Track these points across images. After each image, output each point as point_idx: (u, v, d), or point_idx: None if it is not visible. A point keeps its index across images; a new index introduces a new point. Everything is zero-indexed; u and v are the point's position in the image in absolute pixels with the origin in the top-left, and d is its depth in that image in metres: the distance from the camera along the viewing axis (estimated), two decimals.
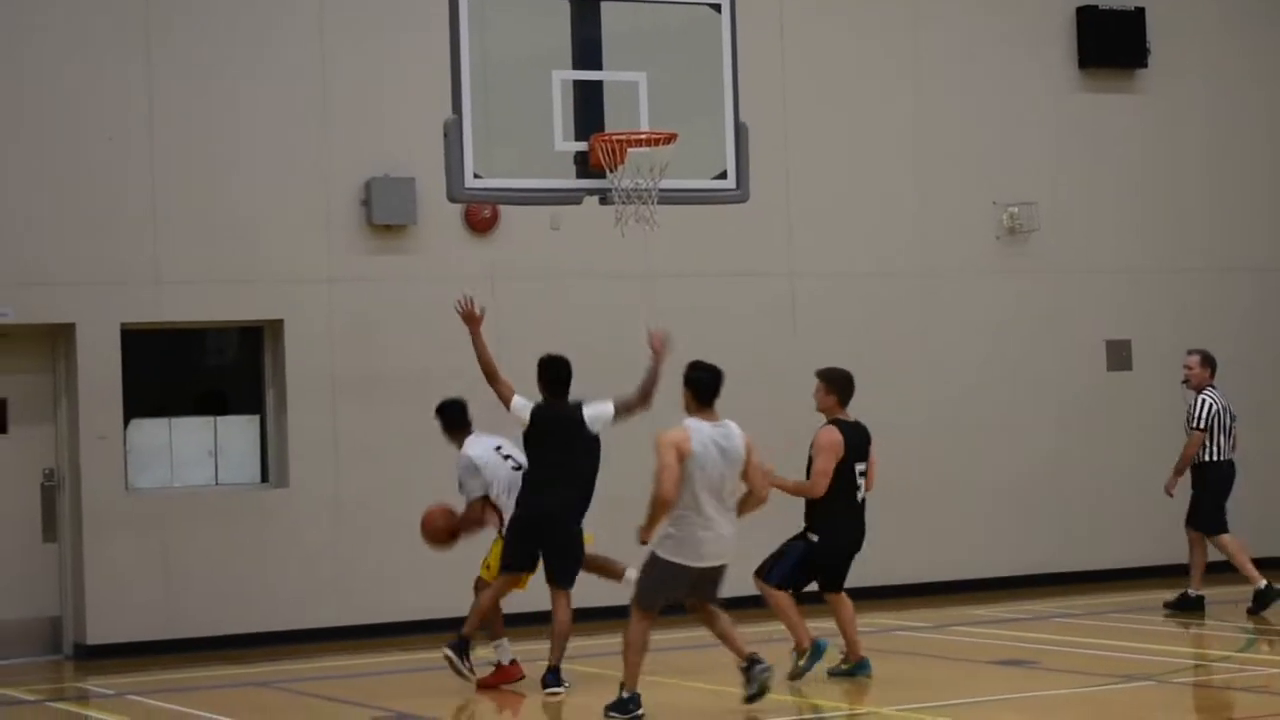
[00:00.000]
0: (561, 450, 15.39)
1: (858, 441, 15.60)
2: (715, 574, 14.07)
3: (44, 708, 16.49)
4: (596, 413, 15.51)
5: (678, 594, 14.11)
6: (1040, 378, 21.96)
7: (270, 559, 19.41)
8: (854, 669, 15.73)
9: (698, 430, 13.86)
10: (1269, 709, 13.78)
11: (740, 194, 16.01)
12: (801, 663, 15.54)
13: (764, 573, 15.54)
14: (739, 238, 20.76)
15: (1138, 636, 18.14)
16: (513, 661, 15.89)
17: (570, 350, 20.23)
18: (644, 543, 14.06)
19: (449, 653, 15.64)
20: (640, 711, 13.91)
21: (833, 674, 15.63)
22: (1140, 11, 22.81)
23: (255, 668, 17.90)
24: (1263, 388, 23.41)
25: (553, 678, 15.25)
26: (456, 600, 19.45)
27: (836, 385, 15.69)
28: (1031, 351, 22.05)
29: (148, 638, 18.96)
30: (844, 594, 15.78)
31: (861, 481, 15.59)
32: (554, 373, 15.69)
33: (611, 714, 13.96)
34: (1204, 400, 19.42)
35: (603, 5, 15.59)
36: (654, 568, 14.01)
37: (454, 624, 19.34)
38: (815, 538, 15.49)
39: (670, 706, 14.48)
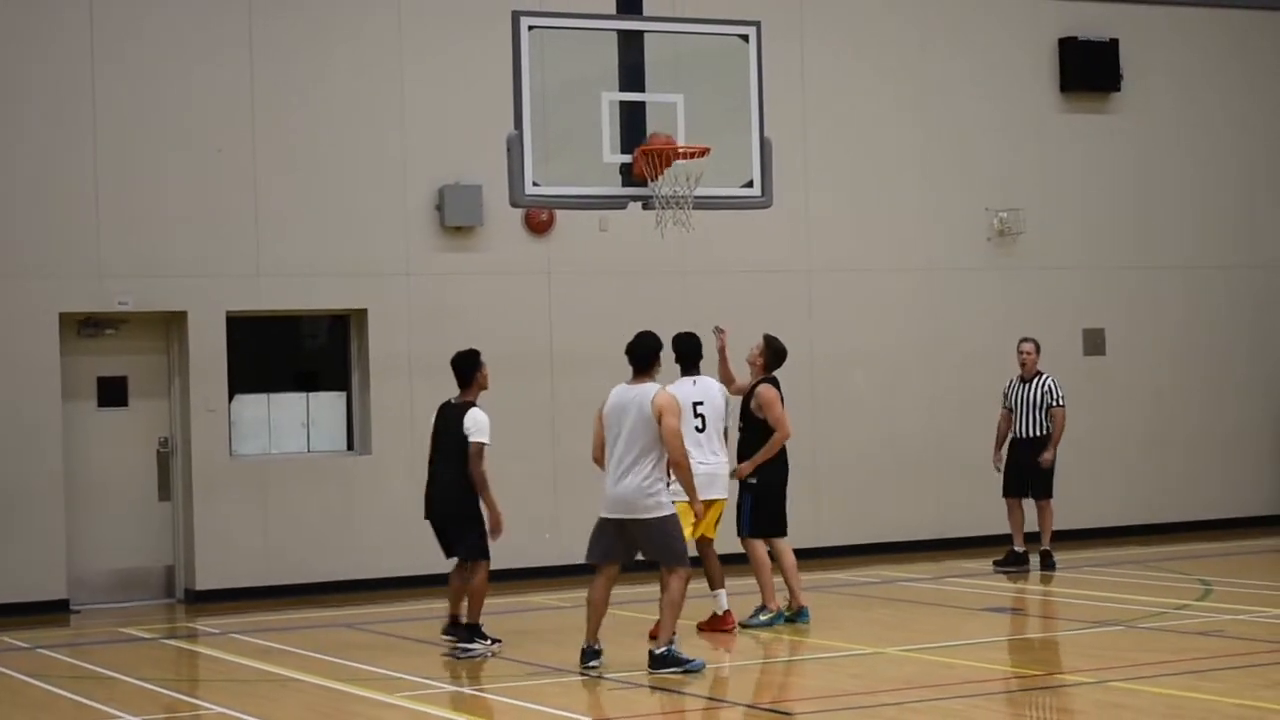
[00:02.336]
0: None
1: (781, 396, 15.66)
2: (630, 528, 13.55)
3: (159, 644, 16.55)
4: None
5: (612, 546, 13.60)
6: None
7: (355, 516, 19.46)
8: (795, 616, 15.61)
9: (614, 394, 13.76)
10: (1224, 650, 13.74)
11: (764, 200, 16.00)
12: (763, 617, 15.44)
13: (739, 532, 15.45)
14: (763, 239, 20.74)
15: (1107, 587, 18.11)
16: (726, 611, 15.39)
17: (615, 335, 20.32)
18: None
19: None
20: (594, 663, 13.54)
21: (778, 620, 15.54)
22: (1114, 43, 22.74)
23: (342, 610, 17.96)
24: (1222, 369, 23.39)
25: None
26: (518, 552, 19.65)
27: (770, 350, 15.75)
28: (1018, 338, 21.99)
29: (249, 584, 19.01)
30: (787, 543, 15.63)
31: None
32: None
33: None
34: (1053, 380, 19.39)
35: (645, 35, 15.60)
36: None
37: (513, 574, 19.47)
38: (754, 480, 15.40)
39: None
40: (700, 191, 15.32)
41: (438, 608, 17.54)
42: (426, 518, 15.03)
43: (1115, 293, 22.86)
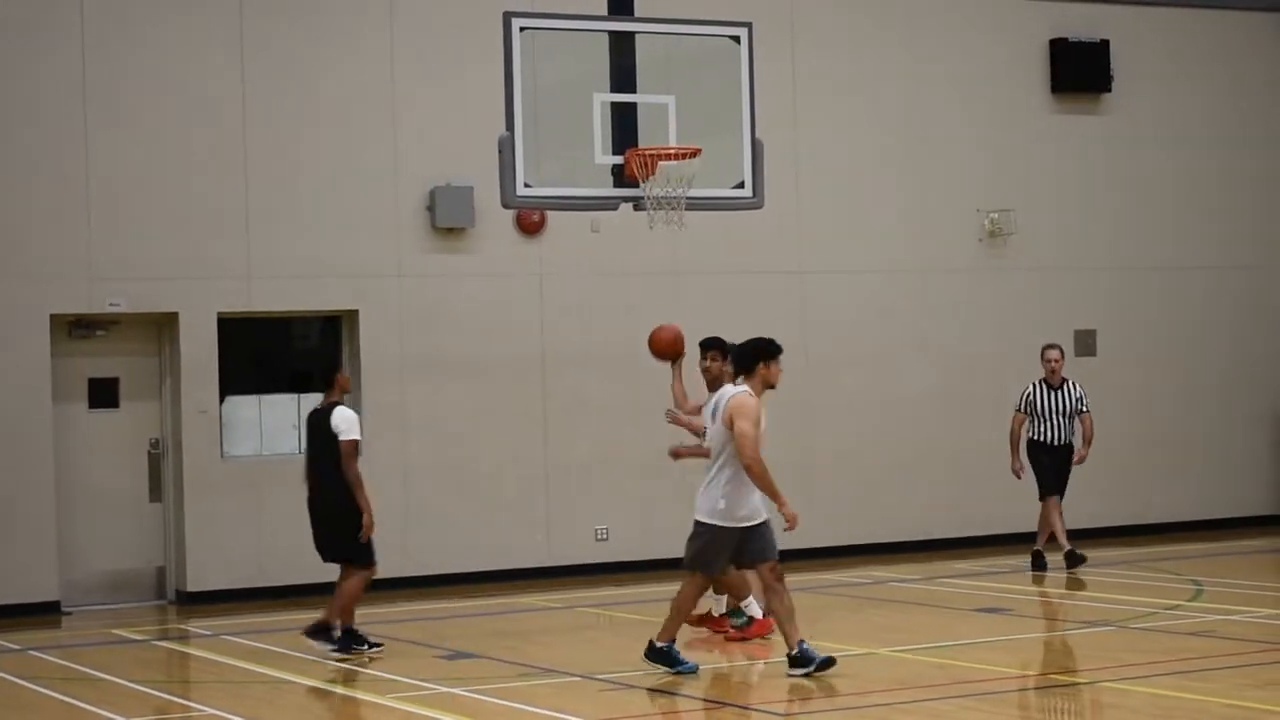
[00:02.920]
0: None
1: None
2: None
3: (150, 646, 16.54)
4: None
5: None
6: (1017, 362, 21.91)
7: None
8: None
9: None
10: (1216, 650, 13.74)
11: (756, 201, 15.99)
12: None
13: None
14: (754, 240, 20.73)
15: (1099, 587, 18.11)
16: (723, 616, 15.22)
17: (607, 337, 20.38)
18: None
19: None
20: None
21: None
22: (1105, 44, 22.75)
23: None
24: (1214, 370, 23.40)
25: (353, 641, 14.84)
26: (509, 553, 19.68)
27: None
28: (1009, 339, 22.01)
29: (240, 585, 19.00)
30: None
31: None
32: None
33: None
34: (1082, 387, 19.35)
35: (637, 37, 15.58)
36: None
37: (503, 575, 19.52)
38: None
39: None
40: (692, 192, 15.30)
41: (431, 609, 17.60)
42: (312, 526, 15.05)
43: (1107, 294, 22.87)
